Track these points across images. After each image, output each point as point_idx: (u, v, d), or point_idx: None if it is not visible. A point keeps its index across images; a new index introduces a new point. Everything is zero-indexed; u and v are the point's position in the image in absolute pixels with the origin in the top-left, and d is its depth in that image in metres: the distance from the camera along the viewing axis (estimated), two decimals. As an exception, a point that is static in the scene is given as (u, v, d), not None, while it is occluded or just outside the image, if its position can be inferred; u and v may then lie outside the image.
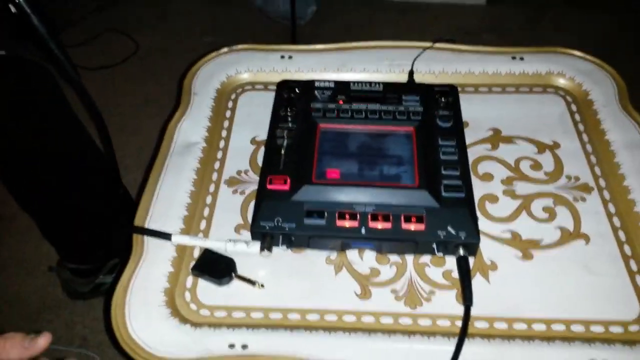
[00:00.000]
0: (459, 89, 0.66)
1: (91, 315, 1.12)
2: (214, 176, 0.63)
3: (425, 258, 0.55)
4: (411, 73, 0.71)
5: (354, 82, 0.66)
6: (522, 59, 0.73)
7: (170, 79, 1.55)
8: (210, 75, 0.73)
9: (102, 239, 1.07)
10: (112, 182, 0.94)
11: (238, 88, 0.73)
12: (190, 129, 0.66)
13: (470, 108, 0.67)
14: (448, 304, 0.51)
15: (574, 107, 0.69)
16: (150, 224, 0.56)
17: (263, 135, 0.64)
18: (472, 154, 0.63)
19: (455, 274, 0.53)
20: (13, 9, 0.63)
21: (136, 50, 1.73)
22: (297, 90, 0.65)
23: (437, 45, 0.74)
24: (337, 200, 0.54)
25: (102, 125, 0.75)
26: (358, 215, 0.53)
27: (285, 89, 0.66)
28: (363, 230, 0.53)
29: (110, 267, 1.11)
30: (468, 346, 0.47)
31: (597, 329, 0.49)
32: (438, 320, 0.50)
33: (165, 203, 0.58)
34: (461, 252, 0.52)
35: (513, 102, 0.70)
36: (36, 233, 1.07)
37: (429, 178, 0.55)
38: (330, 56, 0.74)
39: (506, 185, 0.61)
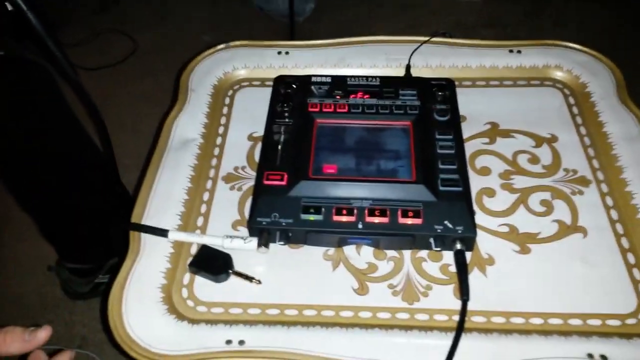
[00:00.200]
0: (456, 82, 0.66)
1: (90, 314, 1.11)
2: (211, 172, 0.63)
3: (423, 253, 0.54)
4: (408, 67, 0.71)
5: (350, 77, 0.66)
6: (519, 52, 0.72)
7: (169, 78, 1.54)
8: (207, 72, 0.73)
9: (101, 238, 1.07)
10: (110, 180, 0.94)
11: (235, 84, 0.73)
12: (187, 125, 0.66)
13: (468, 102, 0.67)
14: (445, 298, 0.51)
15: (571, 100, 0.69)
16: (148, 220, 0.56)
17: (260, 131, 0.64)
18: (470, 147, 0.63)
19: (453, 269, 0.53)
20: (9, 7, 0.63)
21: (135, 49, 1.72)
22: (293, 86, 0.65)
23: (434, 39, 0.73)
24: (334, 195, 0.54)
25: (100, 124, 0.75)
26: (355, 210, 0.53)
27: (282, 84, 0.65)
28: (360, 225, 0.53)
29: (109, 266, 1.11)
30: (465, 340, 0.47)
31: (595, 323, 0.49)
32: (435, 315, 0.50)
33: (163, 199, 0.58)
34: (458, 246, 0.52)
35: (510, 96, 0.69)
36: (35, 233, 1.07)
37: (426, 172, 0.55)
38: (327, 52, 0.74)
39: (504, 179, 0.60)
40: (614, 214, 0.57)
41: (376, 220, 0.53)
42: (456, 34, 0.75)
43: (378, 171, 0.56)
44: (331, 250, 0.55)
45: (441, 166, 0.56)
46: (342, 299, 0.51)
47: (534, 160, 0.62)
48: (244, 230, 0.56)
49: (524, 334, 0.48)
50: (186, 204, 0.59)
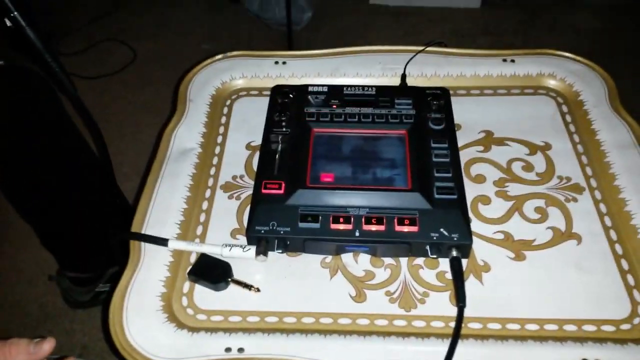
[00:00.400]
0: (451, 91, 0.67)
1: (91, 323, 1.12)
2: (210, 181, 0.63)
3: (419, 260, 0.55)
4: (403, 77, 0.72)
5: (347, 87, 0.67)
6: (513, 61, 0.73)
7: (168, 87, 1.56)
8: (205, 82, 0.74)
9: (101, 248, 1.07)
10: (109, 189, 0.95)
11: (233, 94, 0.74)
12: (186, 135, 0.67)
13: (462, 110, 0.68)
14: (442, 305, 0.52)
15: (565, 108, 0.70)
16: (148, 229, 0.57)
17: (258, 140, 0.64)
18: (465, 156, 0.64)
19: (449, 276, 0.53)
20: (8, 23, 0.64)
21: (134, 58, 1.74)
22: (291, 95, 0.66)
23: (429, 49, 0.74)
24: (331, 203, 0.55)
25: (98, 135, 0.76)
26: (352, 219, 0.54)
27: (279, 94, 0.66)
28: (357, 233, 0.53)
29: (110, 275, 1.12)
30: (462, 347, 0.47)
31: (589, 329, 0.50)
32: (432, 322, 0.51)
33: (162, 209, 0.59)
34: (454, 253, 0.53)
35: (504, 104, 0.70)
36: (35, 242, 1.08)
37: (421, 180, 0.56)
38: (323, 61, 0.75)
39: (498, 186, 0.61)
40: (608, 221, 0.58)
41: (373, 228, 0.53)
42: (452, 42, 0.76)
43: (374, 179, 0.57)
44: (329, 258, 0.56)
45: (436, 174, 0.57)
46: (340, 306, 0.52)
47: (528, 167, 0.63)
48: (242, 239, 0.57)
49: (519, 340, 0.49)
50: (185, 213, 0.59)
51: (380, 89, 0.66)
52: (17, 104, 0.84)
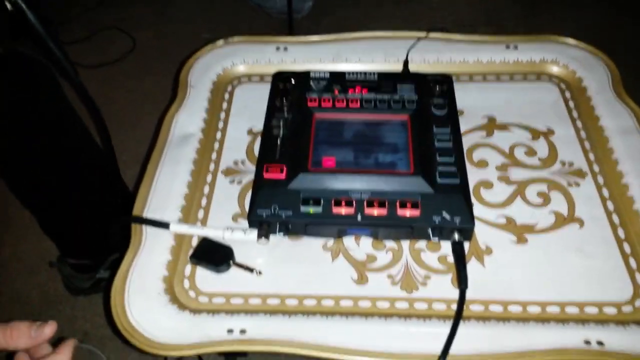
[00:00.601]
0: (454, 78, 0.67)
1: (92, 310, 1.12)
2: (211, 166, 0.63)
3: (421, 243, 0.55)
4: (406, 63, 0.71)
5: (349, 73, 0.66)
6: (516, 47, 0.73)
7: (168, 76, 1.54)
8: (207, 68, 0.73)
9: (102, 234, 1.07)
10: (111, 176, 0.95)
11: (234, 80, 0.74)
12: (187, 120, 0.67)
13: (465, 96, 0.67)
14: (443, 288, 0.52)
15: (567, 94, 0.69)
16: (149, 214, 0.57)
17: (259, 126, 0.64)
18: (467, 141, 0.64)
19: (451, 259, 0.53)
20: (9, 7, 0.64)
21: (134, 47, 1.73)
22: (292, 81, 0.65)
23: (432, 35, 0.74)
24: (333, 187, 0.55)
25: (100, 122, 0.75)
26: (354, 202, 0.54)
27: (280, 79, 0.66)
28: (359, 217, 0.53)
29: (111, 262, 1.12)
30: (463, 328, 0.48)
31: (591, 310, 0.50)
32: (434, 304, 0.51)
33: (163, 193, 0.59)
34: (456, 237, 0.53)
35: (507, 90, 0.70)
36: (36, 229, 1.08)
37: (424, 165, 0.56)
38: (325, 47, 0.74)
39: (501, 171, 0.61)
40: (610, 205, 0.58)
41: (375, 211, 0.53)
42: (454, 32, 0.76)
43: (376, 164, 0.57)
44: (330, 241, 0.56)
45: (439, 159, 0.57)
46: (342, 289, 0.52)
47: (531, 152, 0.63)
48: (244, 223, 0.57)
49: (521, 321, 0.49)
50: (187, 197, 0.59)
51: (383, 75, 0.66)
52: (18, 94, 0.83)
